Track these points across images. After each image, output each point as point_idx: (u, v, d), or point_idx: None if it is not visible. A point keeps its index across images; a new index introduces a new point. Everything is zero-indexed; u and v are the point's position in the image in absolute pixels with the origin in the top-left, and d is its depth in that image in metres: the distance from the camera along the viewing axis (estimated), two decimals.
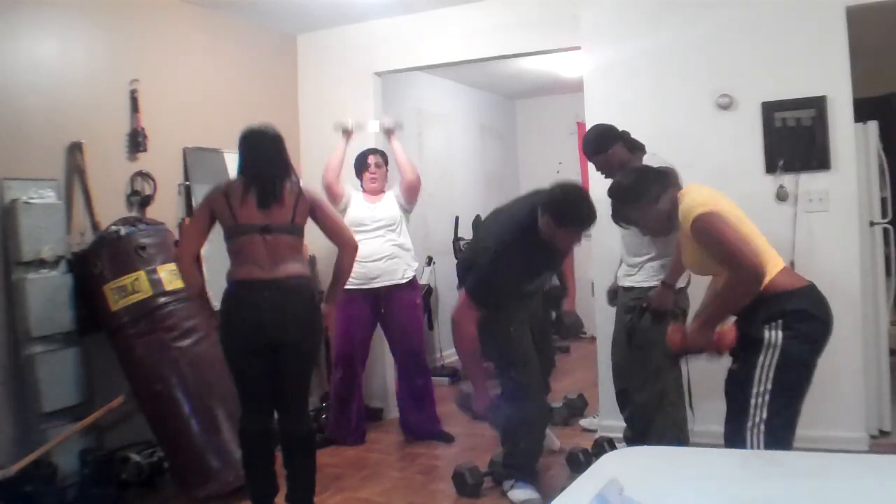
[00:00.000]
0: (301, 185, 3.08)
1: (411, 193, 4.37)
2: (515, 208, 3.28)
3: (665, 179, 2.64)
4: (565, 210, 2.98)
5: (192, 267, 3.04)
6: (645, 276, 3.33)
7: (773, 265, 2.50)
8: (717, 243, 2.44)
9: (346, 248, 3.18)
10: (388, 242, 4.24)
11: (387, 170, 4.42)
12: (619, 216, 2.73)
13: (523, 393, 3.29)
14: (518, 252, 3.07)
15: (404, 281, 4.28)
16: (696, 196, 2.56)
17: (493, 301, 3.13)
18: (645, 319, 3.28)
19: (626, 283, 3.41)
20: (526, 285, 3.26)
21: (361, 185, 4.40)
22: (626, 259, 3.44)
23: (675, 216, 2.59)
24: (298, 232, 3.05)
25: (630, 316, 3.35)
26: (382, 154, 4.43)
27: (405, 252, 4.32)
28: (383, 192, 4.39)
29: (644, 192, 2.62)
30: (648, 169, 2.76)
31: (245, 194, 2.94)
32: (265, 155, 2.99)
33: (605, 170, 3.35)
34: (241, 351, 2.97)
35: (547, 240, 3.06)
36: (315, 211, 3.09)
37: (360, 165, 4.39)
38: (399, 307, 4.29)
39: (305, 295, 3.03)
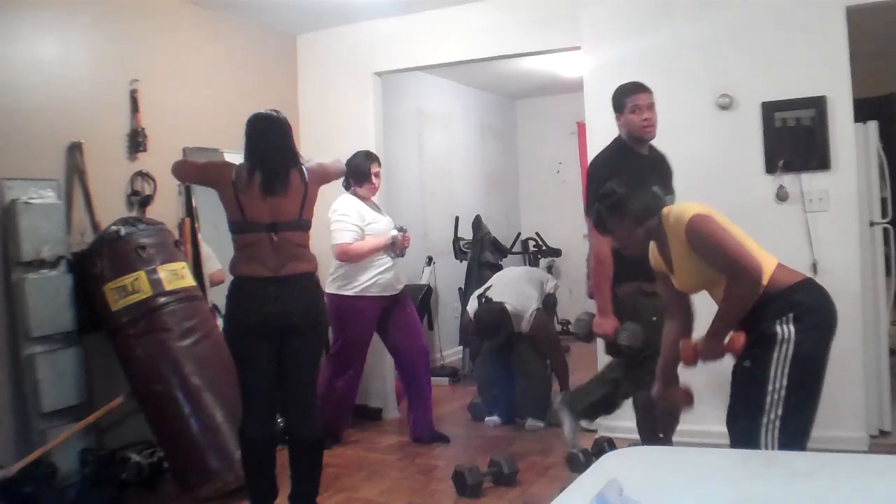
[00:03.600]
0: (305, 168, 3.03)
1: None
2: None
3: (656, 204, 2.62)
4: (616, 95, 3.29)
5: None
6: None
7: (769, 263, 2.51)
8: (713, 247, 2.44)
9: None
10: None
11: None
12: (601, 223, 2.70)
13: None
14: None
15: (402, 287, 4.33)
16: (686, 203, 2.57)
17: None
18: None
19: None
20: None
21: (351, 189, 4.24)
22: None
23: (654, 236, 2.62)
24: (306, 227, 3.06)
25: None
26: (377, 159, 4.33)
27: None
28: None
29: (633, 209, 2.60)
30: (646, 189, 2.69)
31: (250, 180, 2.91)
32: (271, 141, 2.98)
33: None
34: (246, 339, 2.97)
35: (632, 130, 3.23)
36: (322, 181, 3.14)
37: (362, 174, 4.20)
38: (404, 310, 4.31)
39: (311, 288, 3.07)
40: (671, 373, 2.84)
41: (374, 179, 4.23)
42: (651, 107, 3.20)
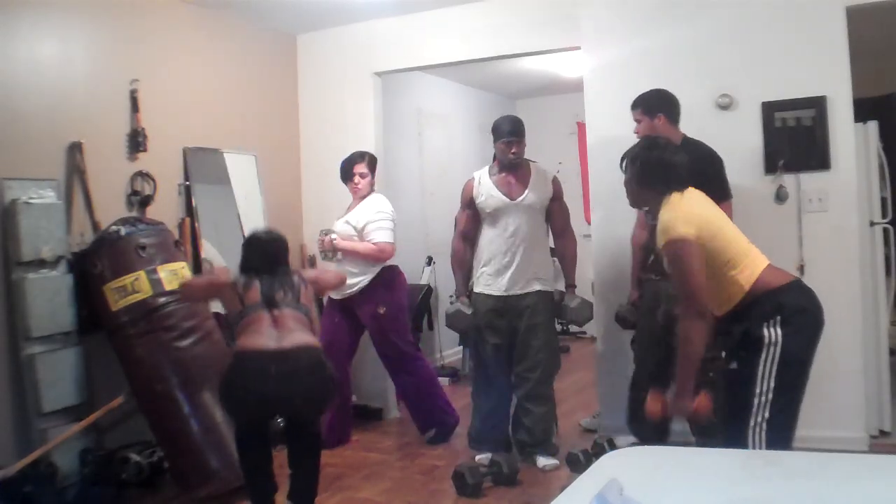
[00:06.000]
0: (298, 276, 3.21)
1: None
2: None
3: (671, 184, 2.58)
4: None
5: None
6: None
7: (758, 263, 2.51)
8: (679, 273, 2.51)
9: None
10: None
11: (373, 177, 4.27)
12: (627, 157, 2.72)
13: None
14: None
15: (355, 291, 4.15)
16: (679, 212, 2.52)
17: None
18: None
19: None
20: None
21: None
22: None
23: (648, 204, 2.67)
24: (304, 310, 3.10)
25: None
26: (370, 161, 4.28)
27: (352, 265, 4.15)
28: (365, 197, 4.25)
29: (642, 172, 2.63)
30: (672, 164, 2.62)
31: (250, 283, 3.07)
32: (265, 256, 3.15)
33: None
34: (242, 418, 3.02)
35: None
36: (316, 287, 3.38)
37: (346, 174, 4.26)
38: (364, 314, 4.21)
39: (315, 365, 2.97)
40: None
41: (356, 179, 4.22)
42: (638, 122, 3.52)
